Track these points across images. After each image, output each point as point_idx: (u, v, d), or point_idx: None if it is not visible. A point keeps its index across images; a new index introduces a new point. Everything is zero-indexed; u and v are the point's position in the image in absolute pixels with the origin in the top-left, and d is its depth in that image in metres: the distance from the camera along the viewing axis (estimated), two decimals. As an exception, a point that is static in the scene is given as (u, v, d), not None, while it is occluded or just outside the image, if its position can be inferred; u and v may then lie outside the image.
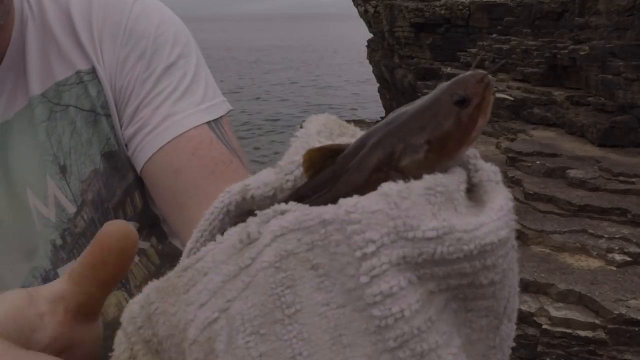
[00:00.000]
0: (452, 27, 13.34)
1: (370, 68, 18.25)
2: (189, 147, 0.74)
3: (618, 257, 5.62)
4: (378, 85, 17.93)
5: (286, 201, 0.27)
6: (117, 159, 0.79)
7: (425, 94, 0.29)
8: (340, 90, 30.08)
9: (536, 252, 5.86)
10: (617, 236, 5.90)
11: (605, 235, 5.92)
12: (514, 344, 0.28)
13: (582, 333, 4.91)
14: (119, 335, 0.29)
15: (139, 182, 0.81)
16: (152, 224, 0.84)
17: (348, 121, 0.34)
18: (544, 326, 5.02)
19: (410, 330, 0.24)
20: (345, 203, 0.25)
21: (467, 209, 0.26)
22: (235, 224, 0.28)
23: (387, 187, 0.25)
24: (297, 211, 0.26)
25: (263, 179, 0.30)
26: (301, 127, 0.33)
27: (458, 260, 0.24)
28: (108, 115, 0.78)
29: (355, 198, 0.25)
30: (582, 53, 8.92)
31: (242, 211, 0.30)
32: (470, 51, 12.26)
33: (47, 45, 0.78)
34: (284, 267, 0.25)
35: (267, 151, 16.62)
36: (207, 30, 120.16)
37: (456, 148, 0.27)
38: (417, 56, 14.29)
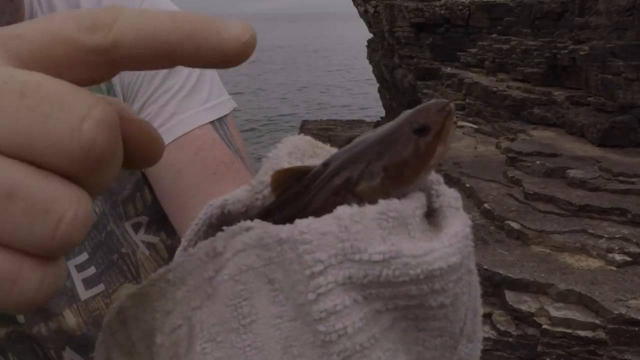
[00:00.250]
0: (452, 27, 13.34)
1: (371, 68, 18.26)
2: (192, 147, 0.74)
3: (618, 257, 5.62)
4: (378, 85, 17.92)
5: (252, 219, 0.29)
6: None
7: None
8: (340, 90, 30.10)
9: (536, 252, 5.86)
10: (617, 236, 5.90)
11: (605, 235, 5.92)
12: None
13: (582, 333, 4.91)
14: (99, 338, 0.31)
15: None
16: (161, 218, 0.84)
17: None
18: (544, 326, 5.01)
19: (353, 346, 0.25)
20: (301, 223, 0.26)
21: (423, 233, 0.27)
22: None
23: (341, 210, 0.26)
24: (259, 229, 0.27)
25: (238, 196, 0.32)
26: (277, 145, 0.35)
27: (404, 284, 0.25)
28: None
29: (310, 219, 0.26)
30: (582, 53, 8.93)
31: (224, 223, 0.31)
32: (470, 51, 12.27)
33: None
34: (244, 280, 0.27)
35: (267, 151, 16.57)
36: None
37: (413, 175, 0.28)
38: (417, 56, 14.29)
